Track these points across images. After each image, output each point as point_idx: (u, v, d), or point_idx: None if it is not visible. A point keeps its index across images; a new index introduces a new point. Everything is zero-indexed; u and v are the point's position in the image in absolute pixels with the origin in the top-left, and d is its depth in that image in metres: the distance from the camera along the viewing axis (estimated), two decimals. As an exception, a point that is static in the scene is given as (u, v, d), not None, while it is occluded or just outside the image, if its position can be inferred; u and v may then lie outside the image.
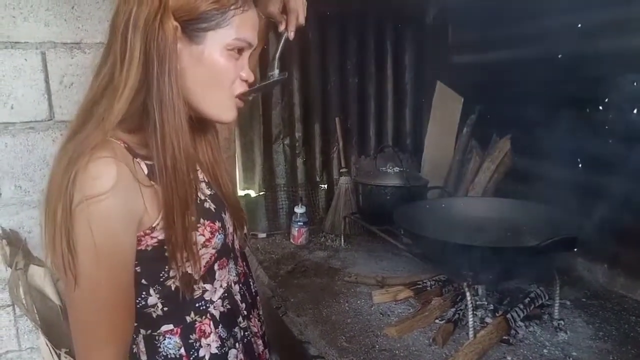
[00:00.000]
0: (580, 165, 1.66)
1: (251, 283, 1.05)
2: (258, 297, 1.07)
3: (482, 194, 1.95)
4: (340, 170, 2.27)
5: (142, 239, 0.77)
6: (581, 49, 1.62)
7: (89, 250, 0.71)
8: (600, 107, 1.57)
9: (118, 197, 0.71)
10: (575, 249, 1.23)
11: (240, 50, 0.78)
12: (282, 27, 0.98)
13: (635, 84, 1.44)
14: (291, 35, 0.99)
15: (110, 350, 0.76)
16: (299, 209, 2.07)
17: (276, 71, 1.00)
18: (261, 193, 2.24)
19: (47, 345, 1.35)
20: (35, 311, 1.40)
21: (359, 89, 2.33)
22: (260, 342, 1.00)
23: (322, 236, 2.14)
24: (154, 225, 0.77)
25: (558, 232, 1.17)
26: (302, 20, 0.98)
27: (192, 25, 0.74)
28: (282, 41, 1.00)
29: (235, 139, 2.00)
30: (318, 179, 2.34)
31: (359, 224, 2.02)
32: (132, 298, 0.79)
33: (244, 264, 1.03)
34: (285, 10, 0.97)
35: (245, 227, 1.02)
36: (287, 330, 1.38)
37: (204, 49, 0.76)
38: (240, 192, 2.18)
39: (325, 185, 2.36)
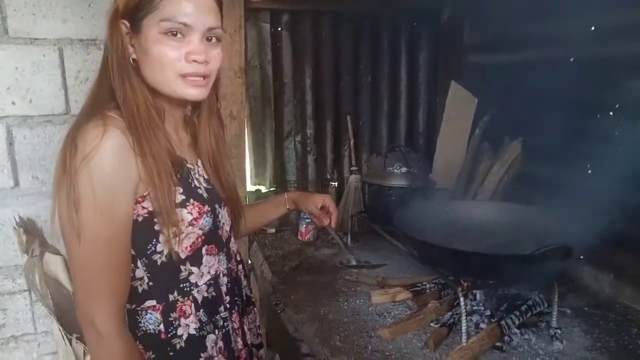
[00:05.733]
0: (590, 172, 1.63)
1: (245, 289, 1.08)
2: (255, 309, 1.11)
3: (490, 197, 1.93)
4: (351, 169, 2.28)
5: (135, 207, 0.85)
6: (600, 52, 1.58)
7: (90, 203, 0.80)
8: (612, 113, 1.54)
9: (116, 157, 0.81)
10: (579, 257, 1.21)
11: (176, 32, 0.85)
12: (326, 222, 1.28)
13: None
14: (333, 225, 1.30)
15: (110, 303, 0.84)
16: (307, 206, 2.08)
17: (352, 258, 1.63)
18: (272, 189, 2.27)
19: (60, 330, 1.41)
20: (50, 297, 1.46)
21: (372, 88, 2.33)
22: (239, 340, 1.03)
23: (329, 233, 2.16)
24: (145, 194, 0.84)
25: (561, 240, 1.16)
26: (335, 218, 1.29)
27: (134, 19, 0.85)
28: (333, 232, 1.41)
29: (246, 135, 2.03)
30: (329, 177, 2.36)
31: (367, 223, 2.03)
32: (128, 260, 0.88)
33: (240, 268, 1.07)
34: (323, 209, 1.27)
35: (242, 218, 1.08)
36: (284, 327, 1.41)
37: (142, 37, 0.85)
38: (251, 188, 2.21)
39: (336, 183, 2.37)
